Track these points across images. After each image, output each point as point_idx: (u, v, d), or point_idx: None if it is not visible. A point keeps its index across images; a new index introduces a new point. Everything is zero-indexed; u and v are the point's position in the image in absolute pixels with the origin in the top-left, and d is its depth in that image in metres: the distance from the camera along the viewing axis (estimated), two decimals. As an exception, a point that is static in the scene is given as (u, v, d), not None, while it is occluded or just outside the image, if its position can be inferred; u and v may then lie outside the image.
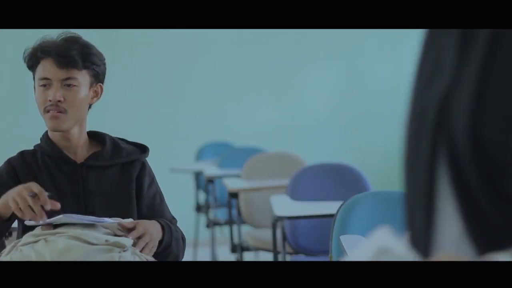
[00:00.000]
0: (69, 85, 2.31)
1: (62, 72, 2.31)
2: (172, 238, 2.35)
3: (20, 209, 2.08)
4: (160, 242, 2.31)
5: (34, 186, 2.10)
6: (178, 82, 7.09)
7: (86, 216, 2.16)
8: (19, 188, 2.11)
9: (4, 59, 6.75)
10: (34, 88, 2.39)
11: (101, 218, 2.17)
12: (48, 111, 2.33)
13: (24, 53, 2.38)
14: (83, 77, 2.34)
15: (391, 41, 7.34)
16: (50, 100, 2.31)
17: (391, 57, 7.38)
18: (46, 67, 2.32)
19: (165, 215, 2.50)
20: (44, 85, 2.32)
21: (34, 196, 2.07)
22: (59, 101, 2.30)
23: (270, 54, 7.20)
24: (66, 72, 2.31)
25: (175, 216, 2.53)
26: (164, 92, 7.08)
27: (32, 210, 2.07)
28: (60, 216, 2.10)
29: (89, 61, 2.34)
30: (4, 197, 2.15)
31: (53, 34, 2.40)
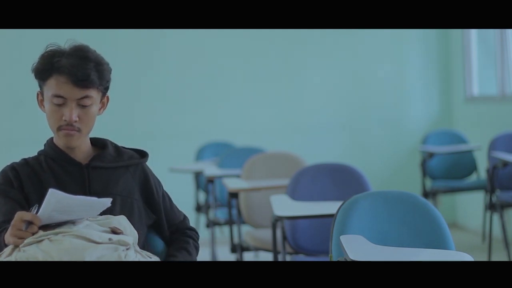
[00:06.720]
0: (84, 105, 2.31)
1: (78, 92, 2.29)
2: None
3: (18, 237, 2.07)
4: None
5: (25, 215, 2.09)
6: (178, 82, 7.09)
7: (74, 196, 2.11)
8: (12, 223, 2.10)
9: (4, 59, 6.75)
10: (41, 96, 2.36)
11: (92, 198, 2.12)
12: (62, 129, 2.33)
13: (34, 64, 2.33)
14: (96, 94, 2.34)
15: (391, 41, 7.34)
16: (65, 120, 2.31)
17: (391, 57, 7.38)
18: (61, 85, 2.29)
19: (177, 216, 2.63)
20: (58, 104, 2.30)
21: (28, 224, 2.07)
22: (75, 121, 2.31)
23: (270, 54, 7.20)
24: (82, 92, 2.30)
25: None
26: (164, 92, 7.07)
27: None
28: (49, 198, 2.05)
29: (103, 78, 2.34)
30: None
31: (56, 39, 2.36)
